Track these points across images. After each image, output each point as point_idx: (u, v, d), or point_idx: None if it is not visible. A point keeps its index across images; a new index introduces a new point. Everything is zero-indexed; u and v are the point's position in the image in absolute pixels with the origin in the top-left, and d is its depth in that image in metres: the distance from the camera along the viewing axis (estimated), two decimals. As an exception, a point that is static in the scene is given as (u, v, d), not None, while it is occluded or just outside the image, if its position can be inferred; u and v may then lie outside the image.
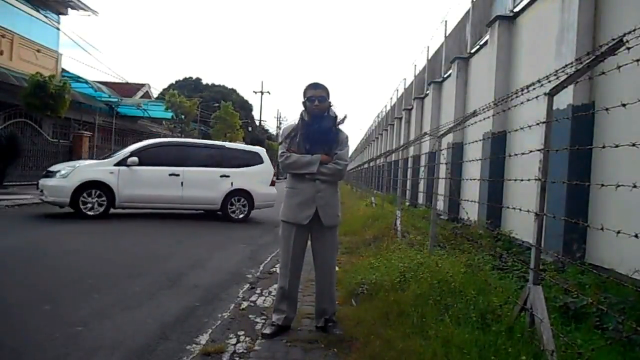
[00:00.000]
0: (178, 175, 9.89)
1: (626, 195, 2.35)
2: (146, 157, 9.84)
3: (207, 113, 34.12)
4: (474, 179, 7.86)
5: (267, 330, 3.17)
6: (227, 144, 12.29)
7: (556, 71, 2.54)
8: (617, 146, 2.10)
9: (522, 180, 2.92)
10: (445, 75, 13.65)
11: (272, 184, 10.90)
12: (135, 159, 9.63)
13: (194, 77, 49.92)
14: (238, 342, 3.09)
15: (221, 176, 10.27)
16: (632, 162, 4.48)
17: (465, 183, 9.87)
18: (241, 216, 10.43)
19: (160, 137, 28.90)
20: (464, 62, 11.54)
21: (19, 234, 7.27)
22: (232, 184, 10.30)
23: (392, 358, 2.57)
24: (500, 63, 8.50)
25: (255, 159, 10.89)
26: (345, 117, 3.33)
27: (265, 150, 11.70)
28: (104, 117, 23.05)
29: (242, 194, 10.45)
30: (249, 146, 13.15)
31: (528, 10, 7.93)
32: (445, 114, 12.57)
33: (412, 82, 19.40)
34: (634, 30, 1.88)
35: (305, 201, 3.17)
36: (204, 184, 10.12)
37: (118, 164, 9.59)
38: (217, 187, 10.20)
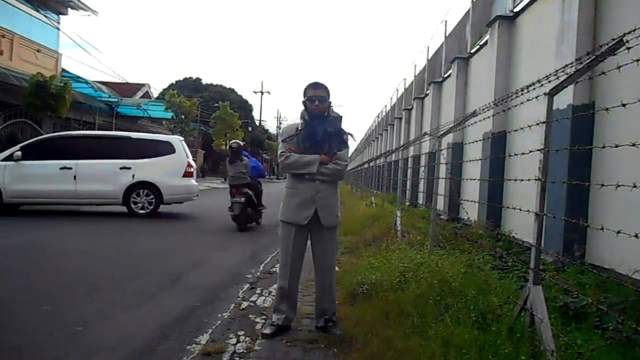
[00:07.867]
0: (70, 168, 9.31)
1: (626, 195, 2.35)
2: (39, 152, 9.41)
3: (207, 113, 34.12)
4: (474, 179, 7.86)
5: (267, 330, 3.17)
6: (134, 135, 10.98)
7: (556, 71, 2.53)
8: (617, 146, 2.10)
9: (522, 180, 2.91)
10: (445, 75, 13.63)
11: (188, 175, 9.94)
12: (19, 153, 9.21)
13: (194, 77, 49.96)
14: (238, 342, 3.09)
15: (121, 168, 9.48)
16: (632, 162, 4.48)
17: (465, 183, 9.86)
18: (143, 211, 9.52)
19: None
20: (464, 62, 11.53)
21: (18, 234, 7.26)
22: (133, 176, 9.51)
23: (392, 358, 2.57)
24: (500, 63, 8.48)
25: (166, 149, 9.93)
26: (340, 117, 3.31)
27: (180, 139, 10.58)
28: (104, 117, 23.07)
29: (147, 187, 9.58)
30: (162, 135, 11.93)
31: (528, 10, 7.92)
32: (445, 114, 12.55)
33: (412, 82, 19.37)
34: (634, 30, 1.88)
35: (304, 201, 3.17)
36: (101, 176, 9.41)
37: (5, 159, 9.28)
38: (116, 179, 9.46)
